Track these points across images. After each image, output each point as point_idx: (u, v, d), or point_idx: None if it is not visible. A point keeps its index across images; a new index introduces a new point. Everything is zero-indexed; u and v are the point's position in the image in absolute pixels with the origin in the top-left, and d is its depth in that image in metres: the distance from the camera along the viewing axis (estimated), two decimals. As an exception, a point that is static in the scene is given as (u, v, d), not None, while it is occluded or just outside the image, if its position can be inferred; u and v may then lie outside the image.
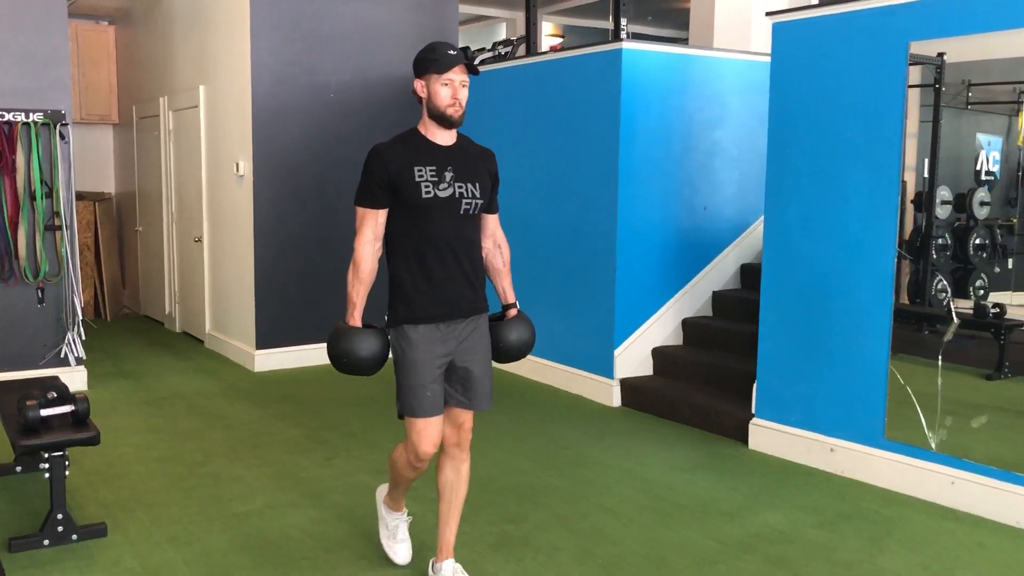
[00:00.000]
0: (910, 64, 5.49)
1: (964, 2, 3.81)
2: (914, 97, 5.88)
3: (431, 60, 2.75)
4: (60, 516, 3.35)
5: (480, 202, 2.86)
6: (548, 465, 4.41)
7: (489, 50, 7.53)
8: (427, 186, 2.74)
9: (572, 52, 5.80)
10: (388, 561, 3.27)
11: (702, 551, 3.41)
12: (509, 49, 7.21)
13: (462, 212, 2.82)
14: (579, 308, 5.77)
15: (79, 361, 5.74)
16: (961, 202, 6.07)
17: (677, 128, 5.61)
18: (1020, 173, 6.04)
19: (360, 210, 2.82)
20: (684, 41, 9.96)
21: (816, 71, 4.33)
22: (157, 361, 6.76)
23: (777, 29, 4.49)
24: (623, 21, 6.47)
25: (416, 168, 2.75)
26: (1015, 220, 6.15)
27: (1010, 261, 6.18)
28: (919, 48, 5.18)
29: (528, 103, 6.19)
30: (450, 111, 2.75)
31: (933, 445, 3.97)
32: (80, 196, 7.98)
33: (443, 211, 2.77)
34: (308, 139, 6.42)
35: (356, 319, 2.84)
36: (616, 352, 5.52)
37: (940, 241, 6.17)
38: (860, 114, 4.16)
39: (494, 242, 3.04)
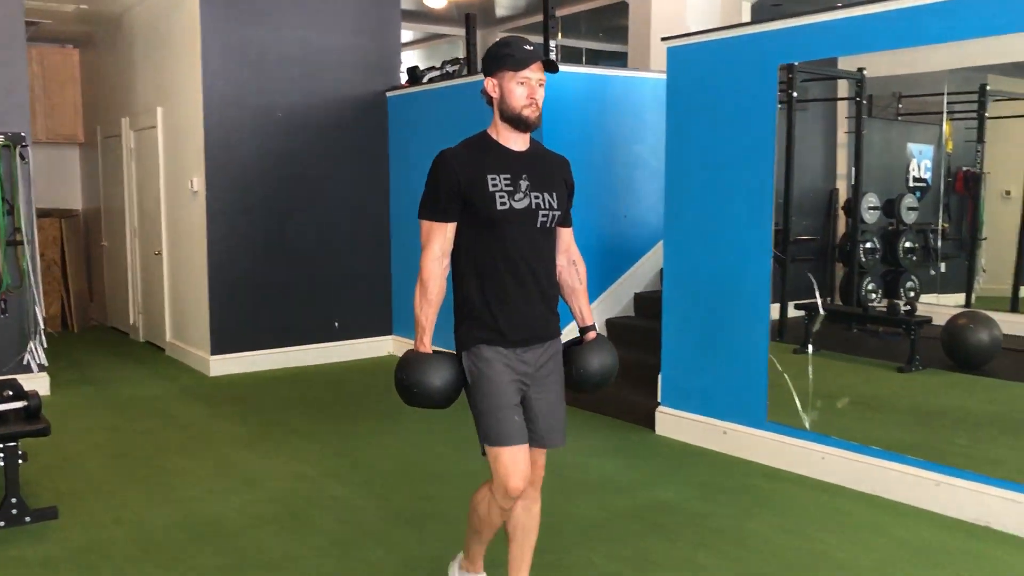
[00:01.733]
0: (836, 79, 5.97)
1: (821, 29, 4.26)
2: (842, 109, 6.37)
3: (505, 56, 2.51)
4: (14, 500, 3.73)
5: (558, 214, 2.62)
6: (466, 453, 4.81)
7: (438, 68, 7.97)
8: (502, 196, 2.51)
9: (498, 73, 6.25)
10: (313, 530, 3.68)
11: (591, 520, 3.85)
12: (457, 67, 7.65)
13: (539, 225, 2.57)
14: (510, 310, 6.21)
15: (41, 368, 6.11)
16: (890, 208, 6.56)
17: (598, 142, 6.07)
18: (950, 179, 6.54)
19: (426, 224, 2.58)
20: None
21: (704, 90, 4.80)
22: (119, 368, 7.14)
23: (671, 53, 4.96)
24: (552, 43, 6.94)
25: (490, 176, 2.52)
26: (946, 225, 6.63)
27: (942, 264, 6.66)
28: (843, 64, 5.64)
29: (459, 120, 6.63)
30: (527, 112, 2.51)
31: (807, 425, 4.43)
32: (47, 213, 8.36)
33: (519, 224, 2.54)
34: (258, 157, 6.84)
35: (427, 345, 2.60)
36: (544, 350, 5.95)
37: (869, 245, 6.65)
38: (740, 129, 4.62)
39: (568, 258, 2.77)
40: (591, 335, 2.80)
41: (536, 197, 2.56)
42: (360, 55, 7.21)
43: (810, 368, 4.67)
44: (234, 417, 5.61)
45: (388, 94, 7.34)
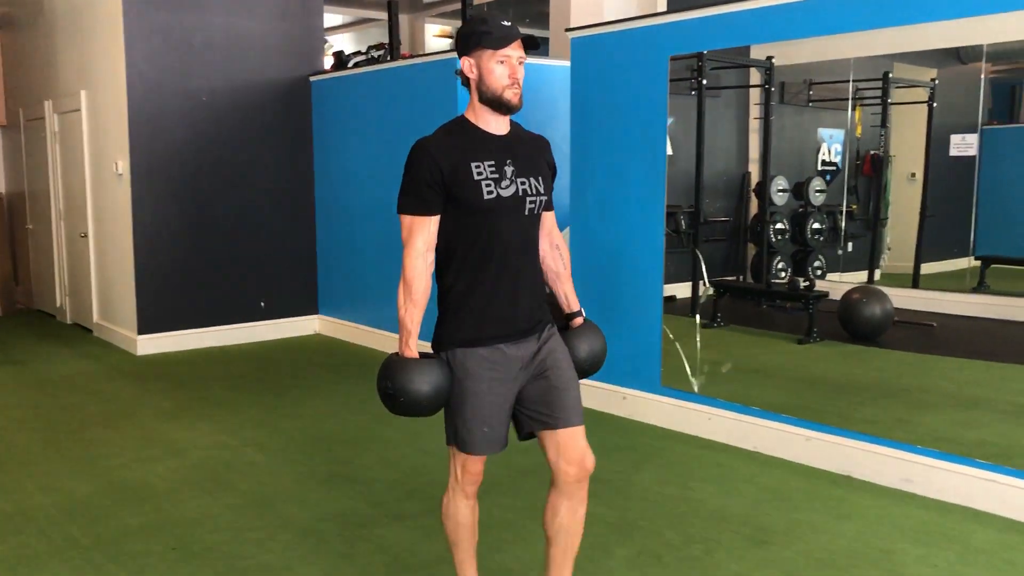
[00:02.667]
0: (748, 67, 6.30)
1: (707, 23, 4.58)
2: (754, 96, 6.71)
3: (482, 34, 2.36)
4: (-60, 469, 3.90)
5: (544, 199, 2.50)
6: (384, 422, 5.09)
7: (363, 53, 8.15)
8: (488, 185, 2.37)
9: (416, 60, 6.49)
10: (231, 491, 3.92)
11: (493, 477, 4.11)
12: (382, 53, 7.85)
13: (527, 212, 2.45)
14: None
15: (-34, 348, 6.20)
16: (799, 190, 6.95)
17: (512, 127, 6.34)
18: (859, 163, 6.95)
19: (407, 219, 2.41)
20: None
21: (604, 79, 5.10)
22: (46, 349, 7.23)
23: (574, 43, 5.25)
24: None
25: (474, 164, 2.37)
26: (855, 207, 7.05)
27: (850, 244, 7.08)
28: (755, 52, 5.97)
29: (381, 105, 6.86)
30: (508, 93, 2.37)
31: (696, 389, 4.80)
32: (-32, 196, 8.35)
33: (507, 213, 2.40)
34: (183, 140, 6.97)
35: (412, 349, 2.43)
36: (461, 326, 6.24)
37: (779, 226, 7.04)
38: (636, 116, 4.94)
39: (551, 242, 2.64)
40: (578, 321, 2.71)
41: (523, 183, 2.42)
42: (284, 40, 7.37)
43: (698, 338, 5.02)
44: (159, 392, 5.78)
45: (312, 79, 7.52)
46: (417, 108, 6.43)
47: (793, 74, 6.78)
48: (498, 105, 2.40)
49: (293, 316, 7.64)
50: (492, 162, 2.40)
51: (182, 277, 7.05)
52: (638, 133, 4.94)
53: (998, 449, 3.99)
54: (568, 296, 2.71)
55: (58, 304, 8.47)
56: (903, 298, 6.09)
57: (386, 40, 7.47)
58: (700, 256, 5.89)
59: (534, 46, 2.42)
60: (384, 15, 11.65)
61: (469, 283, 2.43)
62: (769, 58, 6.11)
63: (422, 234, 2.40)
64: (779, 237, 7.02)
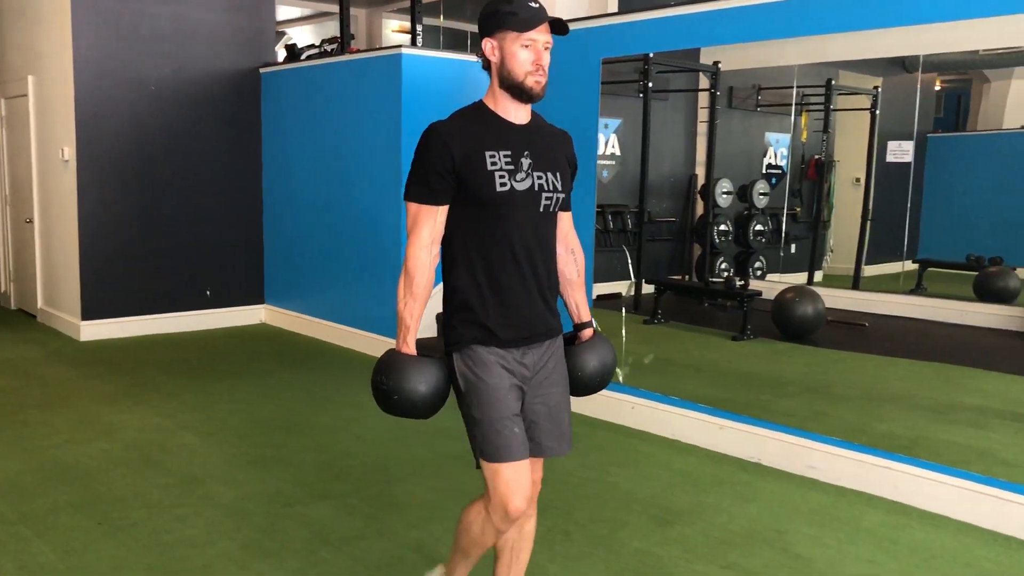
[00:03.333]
0: (695, 71, 6.46)
1: (637, 27, 4.76)
2: (703, 100, 6.88)
3: (507, 15, 2.20)
4: None
5: (562, 196, 2.34)
6: (321, 409, 5.21)
7: (317, 47, 8.24)
8: (502, 176, 2.21)
9: (362, 55, 6.61)
10: (162, 472, 4.02)
11: (420, 460, 4.30)
12: (335, 47, 7.94)
13: (541, 209, 2.29)
14: (371, 278, 6.60)
15: (-95, 331, 6.20)
16: (744, 193, 7.15)
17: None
18: (803, 166, 7.16)
19: (413, 206, 2.25)
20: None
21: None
22: (-12, 334, 7.24)
23: (512, 43, 5.39)
24: (419, 27, 7.33)
25: (488, 153, 2.22)
26: (799, 209, 7.26)
27: (793, 246, 7.29)
28: (704, 57, 6.12)
29: (329, 99, 6.96)
30: (530, 80, 2.22)
31: (621, 379, 4.97)
32: (-87, 179, 8.30)
33: (520, 208, 2.25)
34: (130, 128, 7.01)
35: (410, 345, 2.27)
36: (402, 317, 6.36)
37: (723, 227, 7.25)
38: (569, 116, 5.08)
39: (567, 247, 2.48)
40: (588, 332, 2.53)
41: (539, 177, 2.27)
42: (234, 31, 7.44)
43: (623, 331, 5.19)
44: (99, 377, 5.84)
45: (262, 70, 7.59)
46: (364, 102, 6.54)
47: (743, 79, 6.97)
48: (519, 92, 2.24)
49: (239, 305, 7.71)
50: (508, 152, 2.23)
51: (127, 264, 7.09)
52: (572, 133, 5.08)
53: (905, 441, 4.22)
54: (579, 305, 2.52)
55: (2, 290, 8.45)
56: (843, 299, 6.30)
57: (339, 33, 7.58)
58: (628, 254, 6.06)
59: (562, 31, 2.25)
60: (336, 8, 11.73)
61: (478, 281, 2.26)
62: (715, 63, 6.29)
63: (428, 224, 2.23)
64: (722, 238, 7.23)
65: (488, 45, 2.25)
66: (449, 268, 2.32)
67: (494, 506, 2.28)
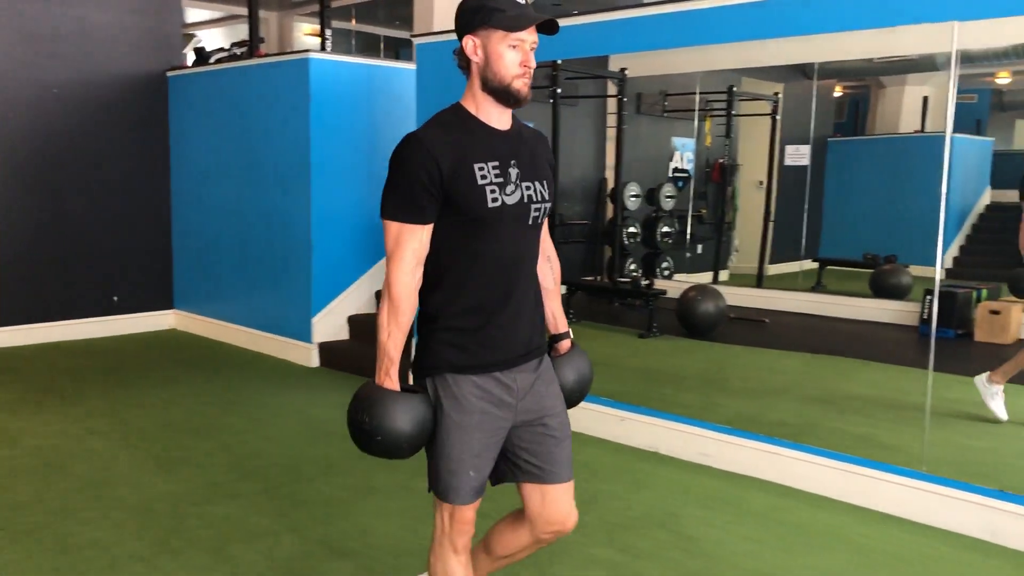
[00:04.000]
0: (606, 78, 6.62)
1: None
2: (612, 106, 7.05)
3: (492, 11, 2.02)
4: None
5: (549, 206, 2.17)
6: (230, 411, 5.23)
7: (226, 50, 8.19)
8: (493, 190, 2.04)
9: (270, 59, 6.63)
10: (66, 476, 4.00)
11: (329, 460, 4.37)
12: (244, 50, 7.91)
13: (531, 222, 2.14)
14: (282, 282, 6.62)
15: None
16: (651, 196, 7.36)
17: (365, 127, 6.56)
18: (708, 170, 7.40)
19: (395, 226, 2.04)
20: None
21: (447, 85, 5.38)
22: None
23: (419, 49, 5.52)
24: (328, 32, 7.37)
25: (477, 166, 2.04)
26: (704, 211, 7.51)
27: (699, 247, 7.53)
28: (612, 64, 6.27)
29: (238, 103, 6.95)
30: (517, 84, 2.05)
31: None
32: None
33: (511, 223, 2.08)
34: (32, 132, 6.87)
35: (394, 379, 2.08)
36: (314, 319, 6.41)
37: (631, 229, 7.45)
38: (475, 119, 5.22)
39: (544, 254, 2.31)
40: (565, 344, 2.40)
41: (527, 188, 2.10)
42: (140, 34, 7.36)
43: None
44: (3, 385, 5.73)
45: (169, 73, 7.53)
46: (273, 106, 6.56)
47: (649, 85, 7.19)
48: (505, 96, 2.07)
49: (148, 311, 7.61)
50: (496, 163, 2.06)
51: (30, 270, 6.94)
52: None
53: (795, 429, 4.46)
54: (556, 316, 2.37)
55: None
56: (746, 297, 6.56)
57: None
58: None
59: (552, 30, 2.08)
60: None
61: (460, 301, 2.09)
62: (623, 69, 6.49)
63: (412, 245, 2.03)
64: (631, 240, 7.45)
65: (470, 43, 2.07)
66: (429, 288, 2.11)
67: (439, 535, 2.23)
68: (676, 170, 7.44)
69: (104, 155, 7.24)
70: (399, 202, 2.03)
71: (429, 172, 1.99)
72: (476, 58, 2.07)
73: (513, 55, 2.05)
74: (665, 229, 7.49)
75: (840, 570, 3.24)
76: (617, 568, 3.20)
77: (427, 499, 3.87)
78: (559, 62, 5.51)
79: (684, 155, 7.50)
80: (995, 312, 5.20)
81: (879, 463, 3.84)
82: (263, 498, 3.83)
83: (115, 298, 7.39)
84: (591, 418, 4.76)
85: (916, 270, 5.80)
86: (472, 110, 2.11)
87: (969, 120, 5.90)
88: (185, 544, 3.35)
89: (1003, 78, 5.80)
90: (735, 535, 3.50)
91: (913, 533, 3.57)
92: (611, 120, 7.01)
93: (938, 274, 3.87)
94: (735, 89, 6.71)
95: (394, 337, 2.06)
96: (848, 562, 3.30)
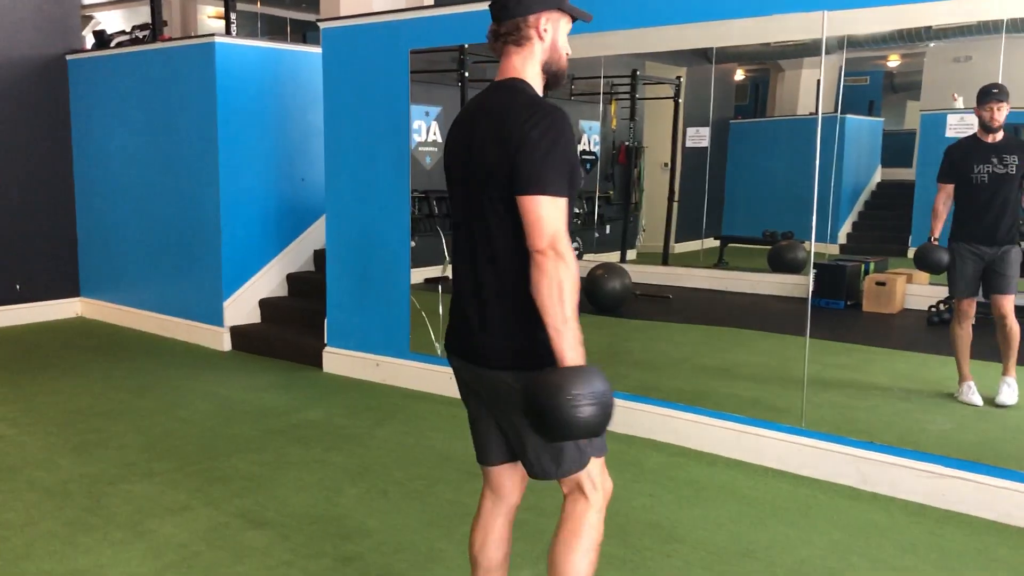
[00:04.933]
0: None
1: (444, 20, 5.06)
2: None
3: None
4: None
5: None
6: (142, 395, 5.25)
7: (128, 33, 8.05)
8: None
9: (175, 43, 6.59)
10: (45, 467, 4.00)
11: (244, 438, 4.46)
12: (147, 33, 7.79)
13: None
14: (193, 267, 6.62)
15: None
16: None
17: (273, 112, 6.58)
18: (614, 152, 7.60)
19: (562, 202, 1.92)
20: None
21: (353, 69, 5.48)
22: None
23: (325, 34, 5.59)
24: (233, 15, 7.34)
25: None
26: (611, 192, 7.72)
27: (607, 227, 7.74)
28: None
29: (143, 87, 6.88)
30: (565, 72, 2.10)
31: (439, 353, 5.29)
32: None
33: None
34: (-77, 116, 6.69)
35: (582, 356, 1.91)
36: (225, 304, 6.43)
37: None
38: (382, 104, 5.35)
39: None
40: None
41: None
42: (36, 15, 7.20)
43: (440, 309, 5.50)
44: (-99, 377, 5.61)
45: (68, 57, 7.39)
46: (178, 91, 6.53)
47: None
48: (556, 80, 2.09)
49: (52, 299, 7.49)
50: None
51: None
52: (385, 121, 5.35)
53: (691, 395, 4.73)
54: None
55: None
56: (652, 274, 6.79)
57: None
58: (443, 236, 6.36)
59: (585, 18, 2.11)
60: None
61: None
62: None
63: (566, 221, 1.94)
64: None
65: (543, 20, 2.03)
66: (525, 277, 1.94)
67: (604, 495, 2.26)
68: (583, 152, 7.65)
69: (2, 141, 7.08)
70: (562, 175, 1.91)
71: (574, 144, 1.96)
72: (542, 38, 2.04)
73: (567, 44, 2.09)
74: (574, 210, 7.71)
75: (729, 519, 3.51)
76: (523, 525, 3.39)
77: (343, 470, 4.04)
78: (466, 46, 5.66)
79: (591, 138, 7.72)
80: (881, 284, 5.55)
81: (765, 422, 4.14)
82: (179, 475, 3.90)
83: (17, 286, 7.25)
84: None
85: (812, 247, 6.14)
86: (538, 90, 2.07)
87: (863, 101, 6.22)
88: (102, 521, 3.41)
89: (893, 61, 6.10)
90: (632, 491, 3.74)
91: (794, 484, 3.88)
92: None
93: (812, 247, 4.17)
94: (639, 73, 6.94)
95: (576, 311, 1.91)
96: (737, 512, 3.58)
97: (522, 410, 1.92)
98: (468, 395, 2.28)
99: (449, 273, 6.65)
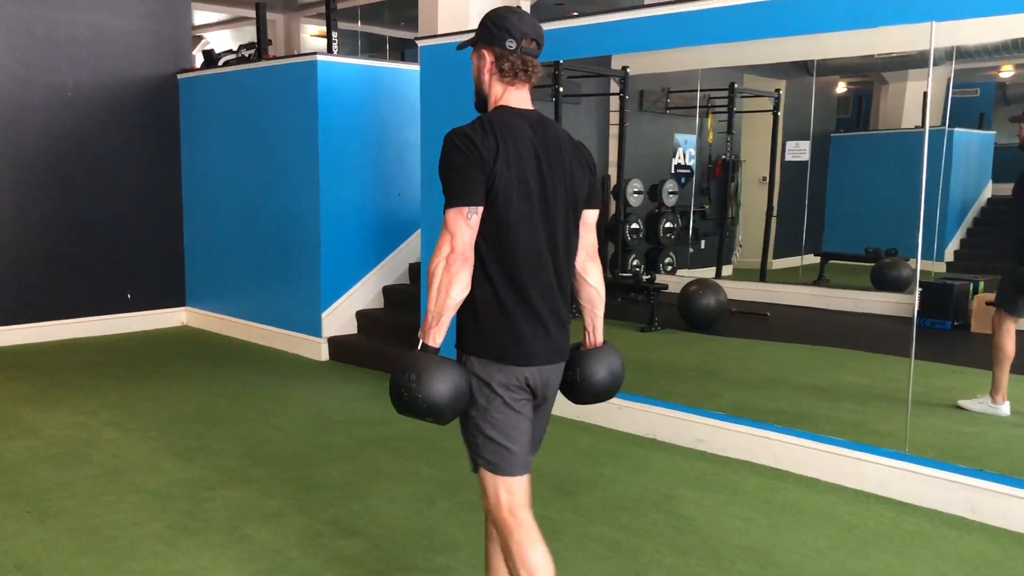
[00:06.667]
0: (608, 76, 6.75)
1: (550, 36, 5.06)
2: (614, 104, 7.18)
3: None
4: None
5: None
6: (242, 403, 5.40)
7: (234, 52, 8.36)
8: None
9: (279, 61, 6.80)
10: (87, 464, 4.18)
11: (338, 447, 4.53)
12: (253, 52, 8.08)
13: None
14: (293, 279, 6.79)
15: None
16: (654, 192, 7.50)
17: (371, 128, 6.72)
18: (710, 166, 7.53)
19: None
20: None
21: (450, 85, 5.55)
22: (-99, 342, 7.19)
23: (423, 51, 5.68)
24: (334, 34, 7.53)
25: None
26: (707, 207, 7.64)
27: (702, 242, 7.66)
28: (614, 63, 6.39)
29: (247, 104, 7.13)
30: None
31: (529, 367, 5.27)
32: None
33: None
34: (47, 134, 7.06)
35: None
36: (323, 315, 6.58)
37: (634, 225, 7.59)
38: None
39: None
40: None
41: None
42: (151, 37, 7.54)
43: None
44: (19, 380, 5.91)
45: (179, 76, 7.71)
46: (281, 107, 6.73)
47: (652, 83, 7.31)
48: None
49: (160, 308, 7.80)
50: None
51: (46, 269, 7.14)
52: (479, 135, 5.37)
53: (790, 416, 4.60)
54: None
55: (-85, 298, 8.36)
56: (749, 291, 6.65)
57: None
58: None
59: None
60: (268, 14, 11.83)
61: None
62: (624, 68, 6.61)
63: None
64: (634, 236, 7.58)
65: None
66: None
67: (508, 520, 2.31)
68: (679, 166, 7.55)
69: (117, 156, 7.43)
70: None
71: None
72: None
73: None
74: (668, 225, 7.61)
75: (828, 546, 3.39)
76: (615, 545, 3.35)
77: (434, 482, 4.06)
78: (561, 62, 5.66)
79: (686, 151, 7.62)
80: (991, 304, 5.31)
81: (866, 445, 3.98)
82: (275, 483, 3.99)
83: (128, 295, 7.58)
84: (591, 407, 4.92)
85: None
86: None
87: (972, 114, 5.99)
88: (202, 525, 3.52)
89: (1006, 71, 5.86)
90: (727, 514, 3.65)
91: (897, 511, 3.72)
92: (613, 118, 7.15)
93: (919, 265, 4.01)
94: (736, 86, 6.83)
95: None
96: (836, 539, 3.45)
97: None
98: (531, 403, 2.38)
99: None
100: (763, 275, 6.73)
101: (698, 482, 4.01)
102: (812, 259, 6.50)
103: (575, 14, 5.07)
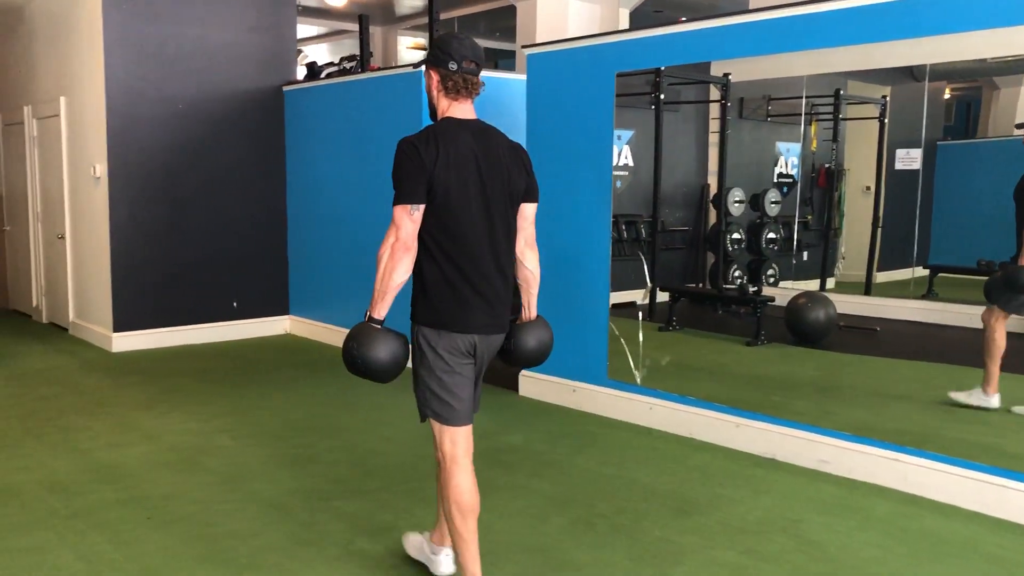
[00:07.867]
0: (708, 83, 6.62)
1: (647, 43, 4.96)
2: (714, 111, 7.05)
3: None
4: (-71, 448, 4.16)
5: None
6: (348, 412, 5.41)
7: (335, 64, 8.47)
8: None
9: (382, 73, 6.84)
10: (203, 471, 4.22)
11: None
12: (353, 64, 8.17)
13: None
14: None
15: (-54, 343, 6.43)
16: (756, 201, 7.31)
17: (474, 137, 6.69)
18: (814, 175, 7.32)
19: None
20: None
21: (556, 93, 5.47)
22: (20, 346, 7.46)
23: (530, 59, 5.62)
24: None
25: None
26: (810, 217, 7.42)
27: (805, 253, 7.44)
28: (714, 69, 6.27)
29: (350, 115, 7.19)
30: None
31: (638, 381, 5.15)
32: (-53, 198, 8.57)
33: None
34: (159, 146, 7.26)
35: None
36: (424, 325, 6.55)
37: (735, 235, 7.41)
38: (585, 127, 5.30)
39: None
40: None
41: None
42: (257, 51, 7.69)
43: (640, 336, 5.37)
44: (134, 385, 6.06)
45: (284, 88, 7.84)
46: (383, 118, 6.77)
47: (753, 90, 7.13)
48: None
49: (264, 316, 7.93)
50: None
51: (157, 278, 7.33)
52: (587, 144, 5.30)
53: (914, 437, 4.36)
54: None
55: (34, 304, 8.70)
56: (855, 304, 6.41)
57: (358, 52, 7.81)
58: (644, 260, 6.23)
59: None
60: (358, 27, 12.01)
61: None
62: (726, 75, 6.45)
63: None
64: (735, 246, 7.38)
65: None
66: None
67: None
68: (781, 175, 7.33)
69: (225, 167, 7.59)
70: None
71: None
72: None
73: None
74: (770, 235, 7.38)
75: (972, 580, 3.17)
76: (741, 571, 3.20)
77: (546, 497, 3.96)
78: (662, 69, 5.54)
79: (789, 160, 7.39)
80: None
81: (1010, 471, 3.73)
82: (386, 495, 3.96)
83: (234, 304, 7.72)
84: (704, 423, 4.76)
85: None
86: None
87: (1090, 121, 5.70)
88: (318, 536, 3.50)
89: None
90: (860, 541, 3.45)
91: (1049, 544, 3.47)
92: (714, 125, 6.98)
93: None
94: (841, 92, 6.60)
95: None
96: (984, 572, 3.22)
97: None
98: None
99: (642, 299, 6.55)
100: (868, 288, 6.48)
101: (826, 506, 3.81)
102: (917, 271, 6.22)
103: (683, 19, 4.94)
